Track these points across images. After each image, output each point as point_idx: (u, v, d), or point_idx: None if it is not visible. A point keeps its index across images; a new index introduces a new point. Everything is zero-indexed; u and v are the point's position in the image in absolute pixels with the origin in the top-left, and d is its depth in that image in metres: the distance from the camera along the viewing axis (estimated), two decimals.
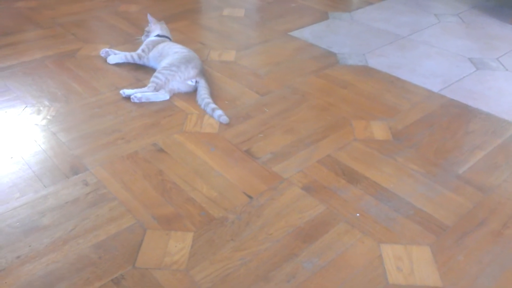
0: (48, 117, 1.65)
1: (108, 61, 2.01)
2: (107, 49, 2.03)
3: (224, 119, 1.63)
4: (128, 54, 2.00)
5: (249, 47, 2.22)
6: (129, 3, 2.70)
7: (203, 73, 1.84)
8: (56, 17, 2.48)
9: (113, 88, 1.84)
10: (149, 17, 2.05)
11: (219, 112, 1.66)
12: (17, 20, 2.44)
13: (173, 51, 1.87)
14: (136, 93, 1.74)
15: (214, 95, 1.78)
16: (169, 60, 1.82)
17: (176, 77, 1.76)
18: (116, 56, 2.01)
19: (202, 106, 1.71)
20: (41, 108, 1.71)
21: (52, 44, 2.19)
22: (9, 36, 2.26)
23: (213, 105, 1.68)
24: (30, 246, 1.16)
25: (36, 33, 2.31)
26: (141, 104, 1.73)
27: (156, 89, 1.75)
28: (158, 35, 2.02)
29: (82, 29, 2.35)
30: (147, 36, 2.06)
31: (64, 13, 2.54)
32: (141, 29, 2.28)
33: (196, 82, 1.79)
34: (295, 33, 2.38)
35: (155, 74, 1.77)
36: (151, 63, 1.95)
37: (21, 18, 2.46)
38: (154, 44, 1.97)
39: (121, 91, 1.77)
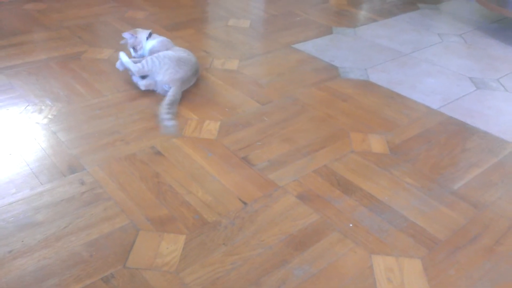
0: (49, 116, 1.67)
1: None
2: (130, 34, 1.95)
3: (168, 124, 1.62)
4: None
5: (252, 57, 2.24)
6: (136, 9, 2.74)
7: (183, 83, 1.83)
8: (63, 20, 2.51)
9: (115, 91, 1.86)
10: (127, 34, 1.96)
11: (166, 117, 1.65)
12: (25, 21, 2.48)
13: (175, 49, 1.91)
14: (124, 61, 1.84)
15: (215, 102, 1.80)
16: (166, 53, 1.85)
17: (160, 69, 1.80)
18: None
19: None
20: (43, 107, 1.72)
21: (58, 46, 2.22)
22: (17, 36, 2.29)
23: (165, 114, 1.66)
24: (22, 241, 1.16)
25: (43, 34, 2.34)
26: (142, 108, 1.75)
27: (139, 72, 1.81)
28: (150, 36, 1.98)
29: (88, 33, 2.38)
30: (136, 50, 1.96)
31: (71, 17, 2.57)
32: None
33: (169, 87, 1.80)
34: (299, 46, 2.40)
35: (148, 57, 1.82)
36: None
37: (29, 20, 2.50)
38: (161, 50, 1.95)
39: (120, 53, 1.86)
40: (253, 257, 1.16)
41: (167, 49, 1.93)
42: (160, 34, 2.37)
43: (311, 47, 2.40)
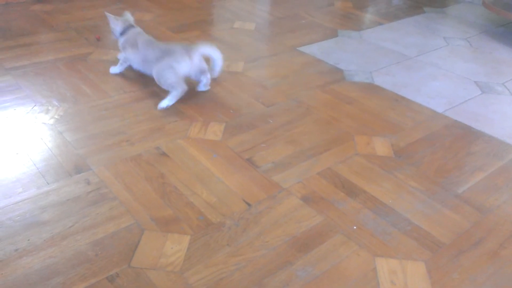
0: (56, 116, 1.68)
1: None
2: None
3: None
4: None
5: (257, 60, 2.25)
6: (143, 11, 2.76)
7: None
8: (70, 22, 2.53)
9: (122, 92, 1.87)
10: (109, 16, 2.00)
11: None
12: (33, 22, 2.50)
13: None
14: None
15: (220, 104, 1.82)
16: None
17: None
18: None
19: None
20: (50, 107, 1.74)
21: (64, 47, 2.23)
22: (24, 37, 2.31)
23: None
24: (29, 240, 1.17)
25: (50, 35, 2.36)
26: (147, 109, 1.76)
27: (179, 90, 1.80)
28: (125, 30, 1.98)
29: (95, 34, 2.40)
30: (114, 35, 2.01)
31: (78, 18, 2.59)
32: (153, 36, 2.32)
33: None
34: (304, 49, 2.41)
35: (159, 78, 1.81)
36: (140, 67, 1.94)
37: (36, 21, 2.52)
38: (129, 43, 1.93)
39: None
40: (256, 258, 1.17)
41: (131, 44, 1.91)
42: (165, 35, 2.40)
43: (316, 49, 2.41)
